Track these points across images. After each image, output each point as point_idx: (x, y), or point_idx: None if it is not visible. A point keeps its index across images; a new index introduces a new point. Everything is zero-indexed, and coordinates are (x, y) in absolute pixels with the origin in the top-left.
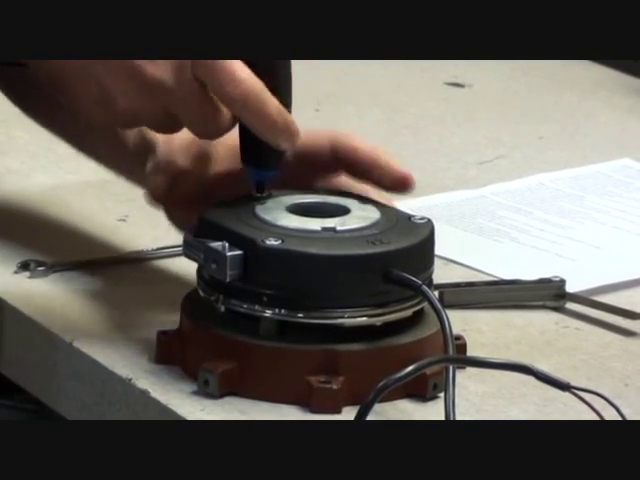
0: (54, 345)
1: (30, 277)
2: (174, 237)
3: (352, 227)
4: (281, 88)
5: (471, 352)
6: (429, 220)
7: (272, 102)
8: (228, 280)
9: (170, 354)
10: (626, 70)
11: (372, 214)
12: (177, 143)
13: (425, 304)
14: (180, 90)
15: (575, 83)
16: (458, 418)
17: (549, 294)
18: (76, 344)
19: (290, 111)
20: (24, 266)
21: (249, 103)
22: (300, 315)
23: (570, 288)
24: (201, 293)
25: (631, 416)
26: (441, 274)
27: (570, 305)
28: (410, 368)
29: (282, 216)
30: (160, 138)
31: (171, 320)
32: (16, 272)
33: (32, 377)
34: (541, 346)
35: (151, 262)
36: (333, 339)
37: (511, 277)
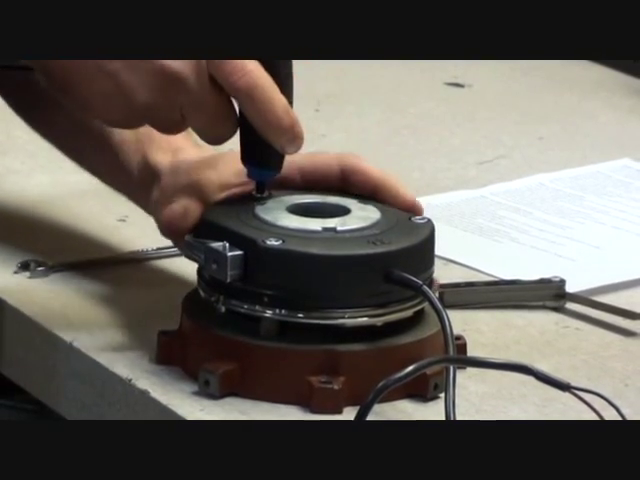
0: (54, 345)
1: (30, 277)
2: None
3: (352, 227)
4: (282, 88)
5: (471, 352)
6: (429, 220)
7: (280, 99)
8: (229, 280)
9: (171, 354)
10: (626, 70)
11: (372, 214)
12: (184, 169)
13: (425, 304)
14: (198, 88)
15: (575, 83)
16: (458, 418)
17: (549, 294)
18: (76, 344)
19: None
20: (24, 266)
21: (255, 94)
22: (301, 315)
23: (570, 288)
24: (201, 293)
25: (631, 416)
26: (441, 274)
27: (570, 305)
28: (410, 368)
29: (282, 216)
30: (166, 167)
31: (171, 320)
32: (16, 272)
33: (32, 377)
34: (541, 346)
35: (151, 262)
36: (334, 339)
37: (511, 277)
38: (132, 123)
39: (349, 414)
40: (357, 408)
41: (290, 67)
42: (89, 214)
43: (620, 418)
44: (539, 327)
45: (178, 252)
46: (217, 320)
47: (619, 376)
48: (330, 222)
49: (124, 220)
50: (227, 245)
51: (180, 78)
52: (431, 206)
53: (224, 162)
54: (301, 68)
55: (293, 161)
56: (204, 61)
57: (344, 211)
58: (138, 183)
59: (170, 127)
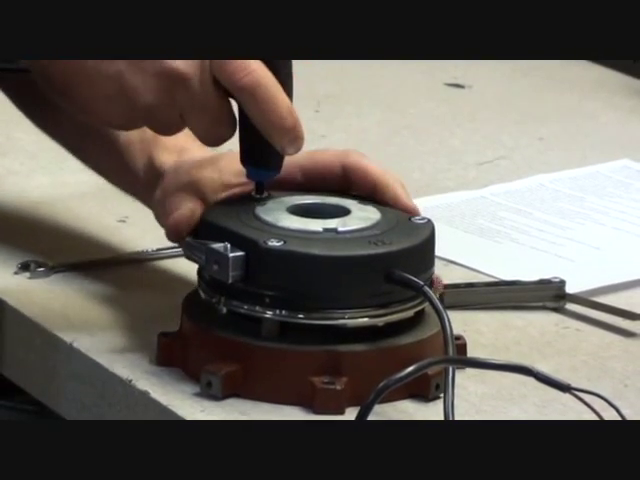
0: (54, 346)
1: (30, 278)
2: None
3: (353, 228)
4: (283, 88)
5: (471, 353)
6: (429, 220)
7: (284, 99)
8: (230, 281)
9: (171, 356)
10: (626, 71)
11: (372, 215)
12: (185, 168)
13: (425, 304)
14: (201, 89)
15: (575, 84)
16: (458, 419)
17: (549, 295)
18: (76, 345)
19: None
20: (24, 267)
21: (259, 93)
22: (302, 316)
23: (570, 289)
24: (202, 295)
25: (631, 417)
26: (441, 275)
27: (570, 306)
28: (410, 369)
29: (283, 217)
30: (170, 167)
31: (171, 321)
32: (16, 273)
33: (32, 378)
34: (541, 347)
35: (151, 263)
36: (335, 340)
37: (511, 278)
38: (132, 125)
39: (351, 414)
40: (359, 408)
41: (290, 67)
42: (89, 215)
43: (620, 419)
44: (539, 328)
45: (178, 253)
46: (218, 321)
47: (619, 377)
48: (331, 223)
49: (124, 221)
50: (228, 246)
51: (184, 79)
52: (431, 207)
53: (226, 162)
54: (301, 68)
55: (294, 160)
56: (207, 62)
57: (344, 212)
58: (144, 184)
59: (168, 128)
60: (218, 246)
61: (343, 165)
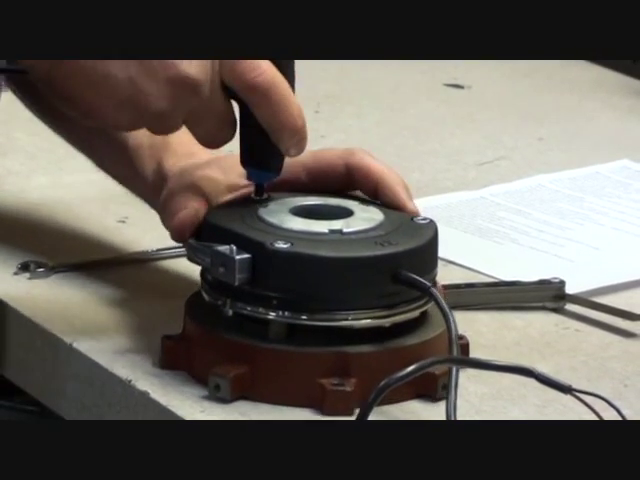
0: (54, 346)
1: (30, 278)
2: None
3: (358, 229)
4: None
5: (471, 353)
6: (431, 220)
7: (295, 100)
8: (237, 284)
9: (176, 359)
10: (625, 71)
11: (375, 215)
12: (190, 170)
13: (430, 305)
14: (211, 94)
15: (575, 84)
16: (458, 419)
17: (549, 295)
18: (76, 345)
19: None
20: (24, 267)
21: (272, 93)
22: (309, 317)
23: (570, 289)
24: (206, 297)
25: (631, 417)
26: (441, 275)
27: (570, 306)
28: (411, 368)
29: (287, 219)
30: (176, 171)
31: (172, 322)
32: (16, 273)
33: (32, 378)
34: (541, 347)
35: (151, 263)
36: (342, 341)
37: (511, 278)
38: (136, 128)
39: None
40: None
41: (292, 67)
42: (89, 215)
43: (620, 419)
44: (539, 328)
45: (179, 253)
46: (224, 323)
47: (619, 377)
48: (335, 224)
49: (124, 221)
50: (234, 248)
51: (196, 85)
52: (430, 207)
53: (230, 163)
54: (301, 68)
55: (298, 159)
56: (216, 65)
57: (347, 213)
58: (152, 188)
59: (167, 130)
60: (224, 248)
61: (346, 164)
